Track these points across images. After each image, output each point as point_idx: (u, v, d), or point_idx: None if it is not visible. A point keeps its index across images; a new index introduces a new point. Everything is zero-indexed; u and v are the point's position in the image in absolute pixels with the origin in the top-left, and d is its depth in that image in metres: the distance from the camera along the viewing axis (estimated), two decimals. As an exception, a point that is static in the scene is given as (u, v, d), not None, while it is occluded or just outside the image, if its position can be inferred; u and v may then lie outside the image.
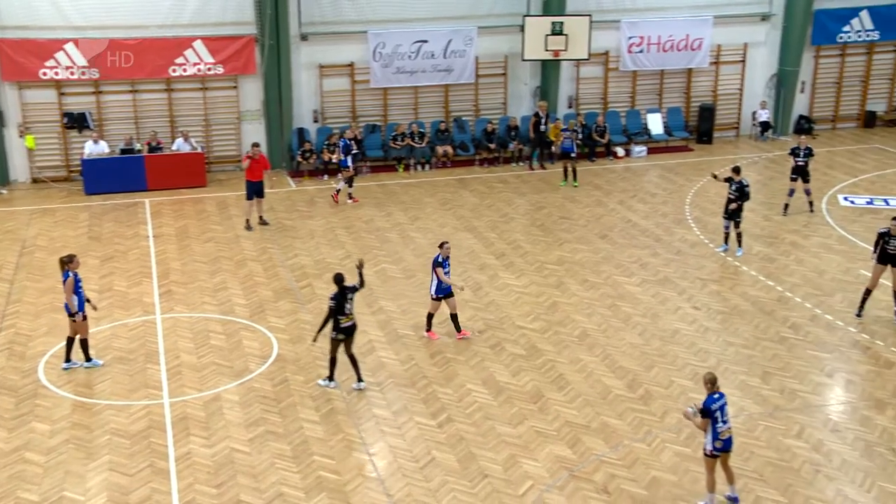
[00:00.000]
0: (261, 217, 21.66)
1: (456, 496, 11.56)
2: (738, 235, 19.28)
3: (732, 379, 14.31)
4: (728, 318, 16.46)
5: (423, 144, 26.15)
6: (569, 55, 26.46)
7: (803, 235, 20.43)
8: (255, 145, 21.52)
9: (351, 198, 23.24)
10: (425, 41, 26.27)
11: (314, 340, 14.15)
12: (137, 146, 24.62)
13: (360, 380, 14.15)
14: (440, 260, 15.32)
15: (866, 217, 21.29)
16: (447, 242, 15.55)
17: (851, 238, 19.97)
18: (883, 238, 16.15)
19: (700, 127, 28.36)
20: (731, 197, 18.89)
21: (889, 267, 16.19)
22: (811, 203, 21.77)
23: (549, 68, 27.16)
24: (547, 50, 26.26)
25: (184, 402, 13.82)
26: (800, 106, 29.39)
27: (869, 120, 29.92)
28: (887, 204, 22.27)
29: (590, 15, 26.33)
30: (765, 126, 28.59)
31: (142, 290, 18.01)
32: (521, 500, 11.48)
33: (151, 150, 24.44)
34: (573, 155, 24.66)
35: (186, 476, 12.00)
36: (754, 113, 28.78)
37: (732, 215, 19.03)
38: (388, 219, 22.18)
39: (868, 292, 16.42)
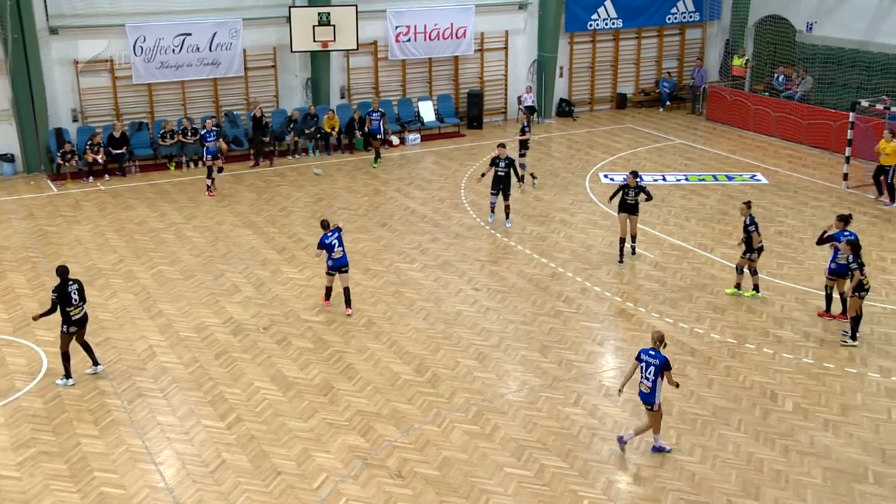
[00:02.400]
0: None
1: (249, 497, 11.37)
2: (507, 208, 20.56)
3: (514, 355, 14.94)
4: (507, 296, 17.15)
5: (195, 140, 25.34)
6: (337, 45, 26.49)
7: (571, 213, 21.59)
8: None
9: (209, 189, 22.99)
10: (189, 34, 25.41)
11: (34, 318, 13.99)
12: None
13: (95, 363, 14.20)
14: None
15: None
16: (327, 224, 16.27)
17: (613, 213, 21.29)
18: (623, 189, 18.30)
19: (470, 113, 29.25)
20: (501, 174, 20.07)
21: (628, 215, 18.25)
22: (524, 177, 22.95)
23: (318, 59, 27.06)
24: (315, 41, 26.15)
25: (-58, 430, 12.71)
26: (560, 90, 31.00)
27: (621, 102, 32.06)
28: (642, 180, 23.89)
29: (356, 5, 26.46)
30: (530, 110, 29.88)
31: None
32: (316, 493, 11.46)
33: None
34: (379, 136, 25.64)
35: (-49, 511, 11.08)
36: (520, 97, 30.04)
37: (503, 189, 20.33)
38: (163, 219, 21.34)
39: (622, 241, 18.43)
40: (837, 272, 15.52)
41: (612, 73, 31.91)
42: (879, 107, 22.73)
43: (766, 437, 12.58)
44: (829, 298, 15.98)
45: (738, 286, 17.07)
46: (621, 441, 12.28)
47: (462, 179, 24.25)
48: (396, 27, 27.83)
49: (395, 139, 27.73)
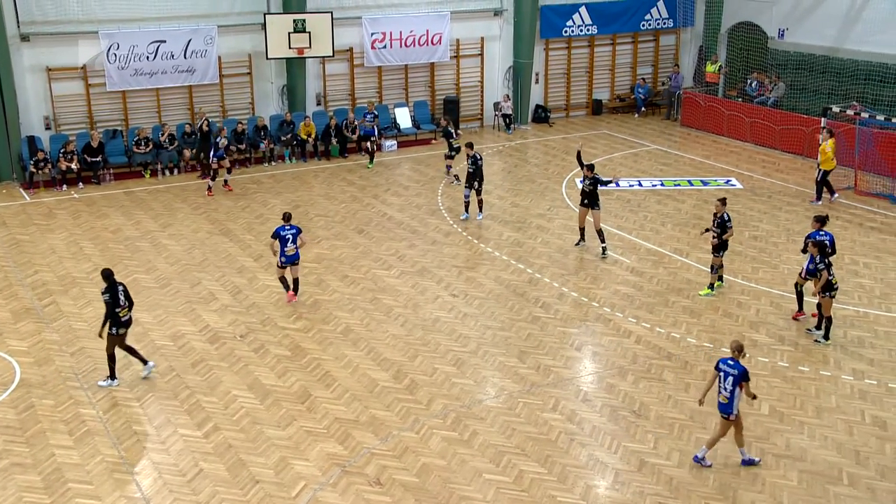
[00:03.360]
0: None
1: (228, 507, 11.31)
2: (479, 202, 21.27)
3: (492, 360, 14.95)
4: (484, 302, 17.17)
5: (172, 148, 25.19)
6: (313, 52, 26.46)
7: (548, 219, 21.67)
8: None
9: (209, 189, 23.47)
10: (163, 41, 25.28)
11: (100, 335, 14.06)
12: None
13: (145, 363, 14.33)
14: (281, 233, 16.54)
15: (601, 199, 22.84)
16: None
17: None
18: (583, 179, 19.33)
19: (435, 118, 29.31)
20: (470, 170, 20.83)
21: (586, 209, 19.16)
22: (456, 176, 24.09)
23: (294, 66, 27.01)
24: (291, 48, 26.11)
25: (-86, 443, 12.54)
26: (536, 96, 31.12)
27: (596, 108, 32.22)
28: (618, 185, 24.06)
29: (331, 12, 26.46)
30: (507, 118, 29.94)
31: None
32: (295, 501, 11.41)
33: None
34: (373, 138, 26.24)
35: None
36: (497, 104, 30.11)
37: (477, 185, 21.03)
38: (138, 227, 21.20)
39: (581, 230, 19.61)
40: (814, 273, 15.67)
41: (588, 80, 32.07)
42: (850, 112, 22.99)
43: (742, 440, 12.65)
44: (800, 297, 16.13)
45: (711, 287, 17.24)
46: (698, 460, 12.09)
47: (439, 186, 24.27)
48: (372, 34, 27.83)
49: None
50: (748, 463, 12.10)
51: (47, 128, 24.85)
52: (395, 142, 28.05)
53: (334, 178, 25.07)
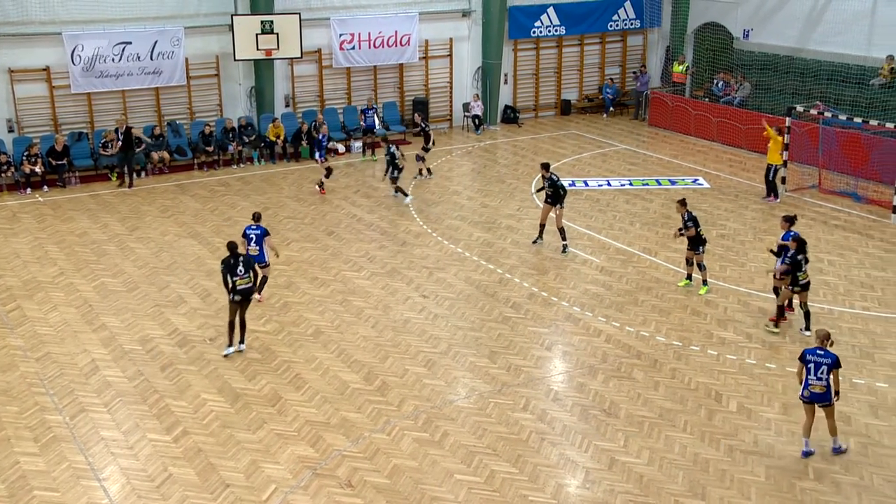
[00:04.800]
0: None
1: (198, 511, 11.23)
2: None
3: (463, 361, 14.97)
4: (455, 303, 17.18)
5: (139, 150, 24.96)
6: (281, 54, 26.34)
7: (517, 219, 21.72)
8: None
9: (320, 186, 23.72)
10: (129, 43, 25.04)
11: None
12: None
13: (241, 341, 15.20)
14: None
15: (570, 198, 22.90)
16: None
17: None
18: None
19: (415, 120, 29.21)
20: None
21: (548, 206, 19.32)
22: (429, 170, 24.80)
23: (262, 68, 26.87)
24: (259, 49, 25.98)
25: None
26: (505, 96, 31.20)
27: (565, 108, 32.36)
28: (587, 185, 24.22)
29: (299, 13, 26.36)
30: (476, 119, 29.98)
31: None
32: (266, 505, 11.37)
33: None
34: (375, 131, 26.87)
35: None
36: (467, 105, 30.14)
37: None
38: (105, 230, 20.98)
39: (541, 226, 19.77)
40: (788, 273, 15.86)
41: (556, 80, 32.20)
42: (813, 112, 23.28)
43: (711, 437, 12.77)
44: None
45: (705, 282, 17.46)
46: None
47: (408, 187, 24.24)
48: (340, 35, 27.76)
49: (340, 147, 27.63)
50: (839, 451, 12.28)
51: (10, 130, 24.51)
52: (362, 143, 27.96)
53: (304, 180, 24.98)
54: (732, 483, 11.77)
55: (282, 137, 26.57)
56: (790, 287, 15.50)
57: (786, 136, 22.92)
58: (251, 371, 14.64)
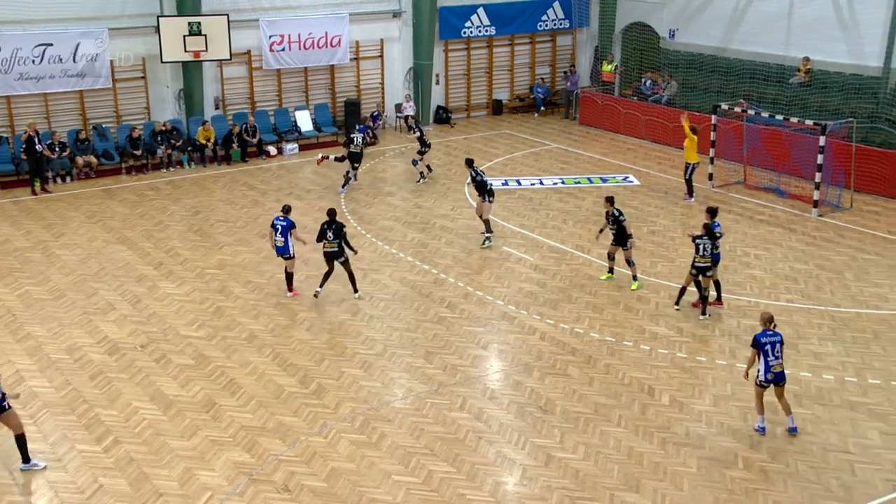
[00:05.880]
0: None
1: (131, 522, 11.02)
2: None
3: (399, 362, 14.96)
4: (390, 304, 17.16)
5: (65, 155, 24.38)
6: (210, 55, 26.01)
7: (451, 219, 21.79)
8: None
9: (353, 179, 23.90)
10: (50, 44, 24.44)
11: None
12: None
13: (355, 291, 17.21)
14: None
15: (503, 198, 23.15)
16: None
17: (492, 217, 21.58)
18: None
19: (347, 121, 29.13)
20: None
21: (480, 197, 19.89)
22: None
23: (191, 70, 26.48)
24: (187, 51, 25.60)
25: None
26: (437, 97, 31.27)
27: (497, 108, 32.57)
28: (519, 184, 24.41)
29: (227, 14, 26.05)
30: (408, 119, 29.92)
31: None
32: (202, 513, 11.21)
33: None
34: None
35: None
36: (399, 105, 30.12)
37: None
38: (28, 237, 20.45)
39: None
40: (714, 261, 16.35)
41: (488, 80, 32.39)
42: (738, 110, 23.82)
43: (645, 430, 12.99)
44: (709, 287, 16.75)
45: (635, 277, 17.82)
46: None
47: (342, 188, 24.13)
48: (270, 36, 27.51)
49: (272, 149, 27.38)
50: (795, 430, 12.76)
51: (-73, 135, 23.79)
52: (296, 145, 27.77)
53: (235, 182, 24.70)
54: (666, 475, 11.99)
55: (212, 140, 26.22)
56: (693, 270, 16.32)
57: (713, 133, 23.39)
58: (184, 377, 14.42)
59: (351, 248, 17.33)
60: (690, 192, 23.04)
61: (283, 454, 12.40)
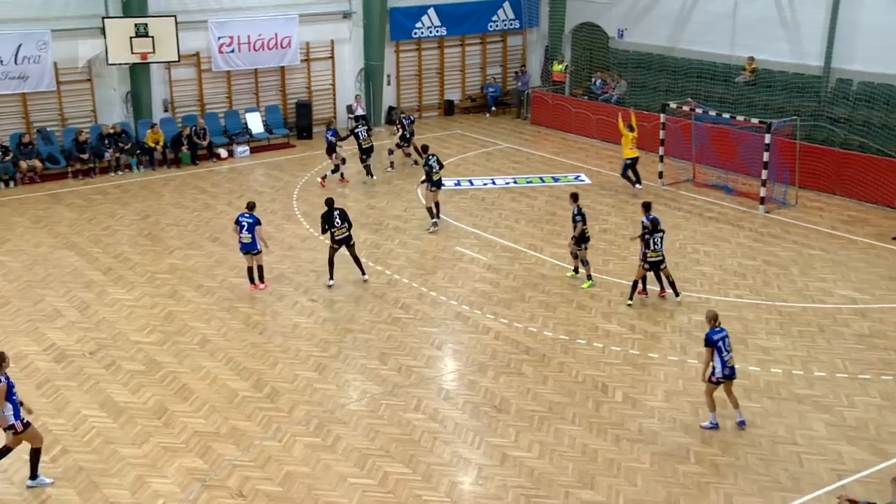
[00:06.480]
0: None
1: (82, 532, 10.84)
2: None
3: (353, 364, 14.91)
4: (343, 306, 17.10)
5: (7, 159, 23.88)
6: (157, 57, 25.68)
7: (404, 220, 21.77)
8: None
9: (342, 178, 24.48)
10: (-10, 46, 23.98)
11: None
12: None
13: (363, 274, 17.86)
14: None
15: (455, 198, 23.21)
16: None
17: (445, 218, 21.64)
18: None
19: (299, 123, 29.00)
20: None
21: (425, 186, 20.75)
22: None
23: (138, 72, 26.12)
24: (133, 53, 25.24)
25: None
26: (388, 98, 31.21)
27: (448, 108, 32.62)
28: (472, 184, 24.47)
29: (174, 16, 25.73)
30: (359, 119, 29.84)
31: None
32: (155, 521, 11.07)
33: None
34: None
35: None
36: (350, 106, 30.02)
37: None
38: (-29, 244, 20.03)
39: (434, 210, 20.89)
40: (643, 238, 16.85)
41: (439, 80, 32.41)
42: (686, 108, 24.13)
43: (599, 428, 13.10)
44: (658, 280, 17.13)
45: (576, 270, 18.09)
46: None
47: (294, 191, 23.99)
48: (219, 38, 27.23)
49: (223, 152, 27.11)
50: (744, 424, 13.00)
51: None
52: (247, 147, 27.54)
53: (186, 186, 24.42)
54: (620, 471, 12.11)
55: (161, 143, 25.89)
56: (642, 265, 16.72)
57: (662, 132, 23.65)
58: (135, 384, 14.23)
59: (265, 244, 17.66)
60: (635, 181, 23.32)
61: (238, 459, 12.29)
